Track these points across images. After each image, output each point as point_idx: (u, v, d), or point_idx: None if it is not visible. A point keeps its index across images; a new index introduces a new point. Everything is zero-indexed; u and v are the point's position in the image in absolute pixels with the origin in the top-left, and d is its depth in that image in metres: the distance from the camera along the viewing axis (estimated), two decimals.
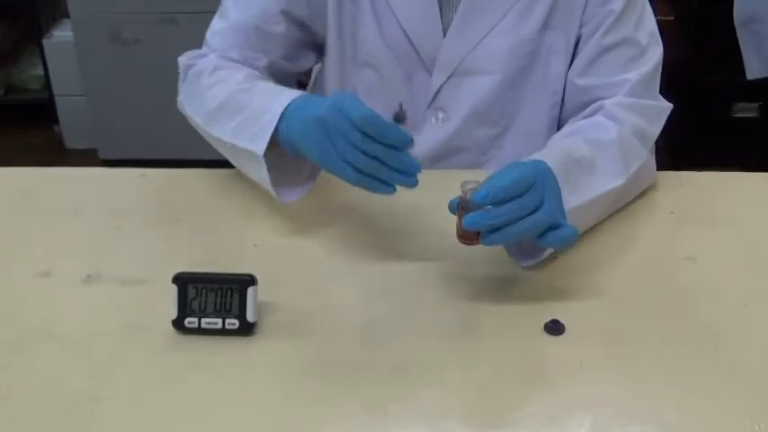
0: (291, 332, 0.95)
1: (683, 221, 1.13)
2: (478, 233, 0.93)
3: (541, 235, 0.93)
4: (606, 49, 1.19)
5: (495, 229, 0.92)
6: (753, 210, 1.17)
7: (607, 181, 1.06)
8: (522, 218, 0.91)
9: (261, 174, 1.06)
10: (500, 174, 0.92)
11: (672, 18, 2.57)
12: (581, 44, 1.21)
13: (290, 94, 1.06)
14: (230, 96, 1.12)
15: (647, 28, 1.20)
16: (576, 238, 0.94)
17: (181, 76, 1.25)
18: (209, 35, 1.26)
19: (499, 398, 0.87)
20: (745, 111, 2.70)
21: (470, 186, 0.92)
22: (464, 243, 0.95)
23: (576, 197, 1.00)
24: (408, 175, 0.95)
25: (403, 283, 1.02)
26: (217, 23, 1.26)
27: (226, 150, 1.14)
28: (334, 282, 1.03)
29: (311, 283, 1.03)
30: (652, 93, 1.19)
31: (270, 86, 1.13)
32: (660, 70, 1.21)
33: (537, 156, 1.01)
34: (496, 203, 0.90)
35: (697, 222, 1.13)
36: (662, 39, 1.22)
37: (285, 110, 1.03)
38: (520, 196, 0.91)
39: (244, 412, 0.85)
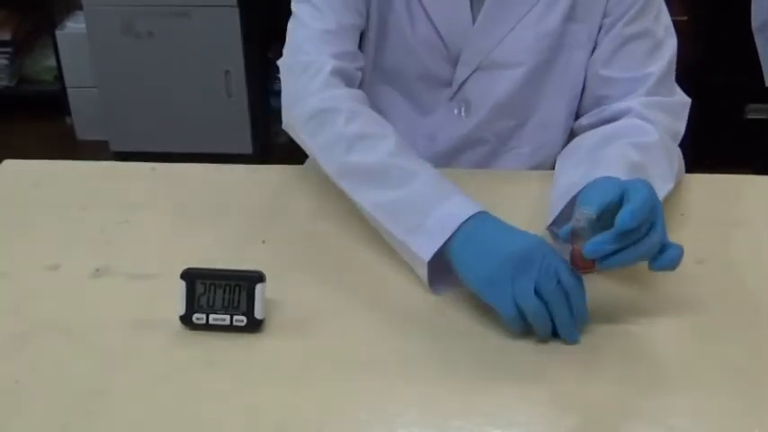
0: (299, 329, 0.95)
1: (693, 224, 1.12)
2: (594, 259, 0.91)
3: (653, 258, 0.91)
4: (627, 40, 1.19)
5: (611, 254, 0.89)
6: (764, 213, 1.16)
7: (661, 185, 1.05)
8: (638, 240, 0.89)
9: (416, 267, 1.01)
10: (633, 194, 0.89)
11: (685, 18, 2.56)
12: (602, 33, 1.21)
13: (462, 202, 0.99)
14: (382, 164, 1.05)
15: (663, 21, 1.21)
16: (682, 258, 0.92)
17: (292, 94, 1.17)
18: (300, 42, 1.20)
19: (507, 397, 0.87)
20: (758, 112, 2.69)
21: (583, 213, 0.90)
22: (580, 272, 0.92)
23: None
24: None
25: (411, 282, 1.02)
26: (300, 33, 1.20)
27: (363, 211, 1.07)
28: (342, 279, 1.03)
29: (319, 281, 1.03)
30: (671, 87, 1.20)
31: (430, 172, 1.05)
32: (675, 62, 1.21)
33: (600, 170, 0.99)
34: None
35: (707, 225, 1.12)
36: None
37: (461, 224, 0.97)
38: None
39: (250, 409, 0.85)
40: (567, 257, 0.93)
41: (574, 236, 0.91)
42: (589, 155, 1.10)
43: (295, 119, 1.15)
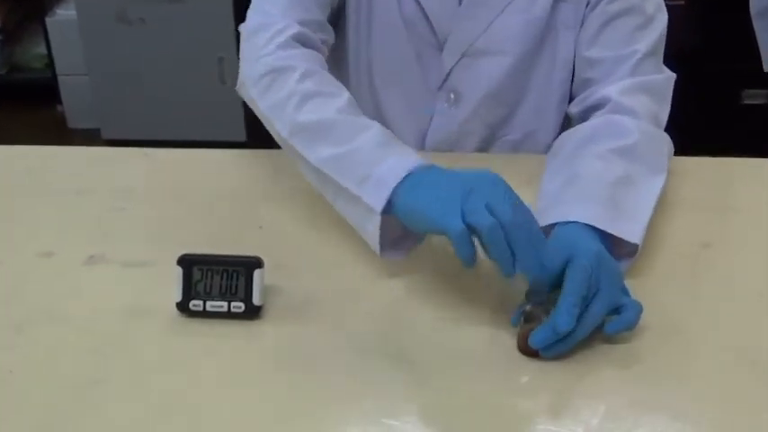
0: (298, 316, 0.94)
1: (697, 208, 1.11)
2: None
3: (606, 322, 0.89)
4: (611, 18, 1.16)
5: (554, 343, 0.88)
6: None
7: (652, 185, 1.04)
8: (579, 319, 0.87)
9: (365, 225, 0.96)
10: (567, 282, 0.87)
11: (682, 3, 2.55)
12: (587, 11, 1.18)
13: (411, 154, 0.96)
14: (331, 119, 1.01)
15: None
16: (640, 316, 0.90)
17: (248, 54, 1.14)
18: (265, 5, 1.17)
19: (511, 385, 0.86)
20: (755, 97, 2.69)
21: (535, 300, 0.89)
22: (528, 356, 0.89)
23: (638, 223, 0.98)
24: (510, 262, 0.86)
25: (411, 268, 1.00)
26: None
27: (311, 171, 1.03)
28: (341, 265, 1.01)
29: (318, 267, 1.01)
30: (658, 64, 1.17)
31: (379, 128, 1.01)
32: (664, 40, 1.18)
33: (576, 202, 0.98)
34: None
35: (711, 209, 1.12)
36: (672, 24, 1.20)
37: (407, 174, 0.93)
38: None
39: (248, 396, 0.84)
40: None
41: (526, 318, 0.89)
42: (568, 161, 1.07)
43: (248, 77, 1.11)
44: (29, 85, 3.25)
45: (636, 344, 0.90)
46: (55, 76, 3.11)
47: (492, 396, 0.84)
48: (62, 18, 3.02)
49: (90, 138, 3.04)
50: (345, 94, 1.05)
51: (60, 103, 3.16)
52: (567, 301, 0.86)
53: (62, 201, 1.15)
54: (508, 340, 0.90)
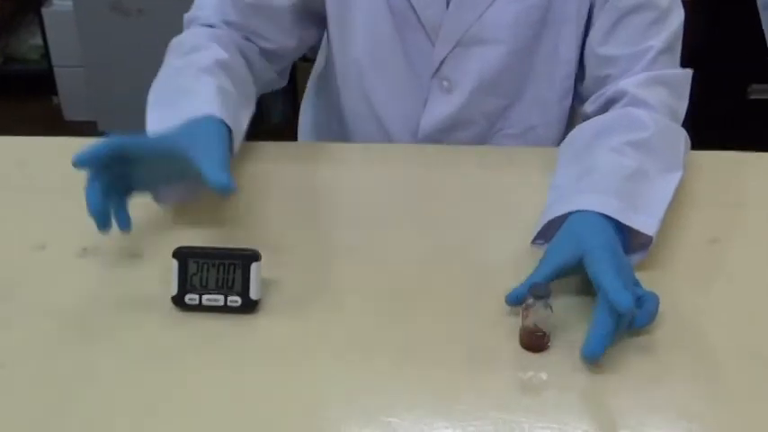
0: (296, 310, 0.92)
1: (705, 203, 1.09)
2: (547, 341, 0.87)
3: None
4: (624, 14, 1.13)
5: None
6: None
7: (668, 181, 1.02)
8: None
9: None
10: (599, 272, 0.87)
11: None
12: (597, 9, 1.15)
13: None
14: (163, 87, 1.12)
15: None
16: (659, 306, 0.89)
17: None
18: (196, 4, 1.19)
19: (511, 382, 0.84)
20: (761, 92, 2.67)
21: (537, 294, 0.86)
22: (530, 351, 0.88)
23: (653, 216, 0.97)
24: None
25: (409, 262, 0.99)
26: None
27: None
28: (339, 259, 1.00)
29: (316, 260, 1.00)
30: (674, 61, 1.15)
31: (191, 84, 1.09)
32: (681, 35, 1.16)
33: (591, 193, 0.97)
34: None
35: (720, 204, 1.10)
36: None
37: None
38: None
39: (245, 392, 0.83)
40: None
41: (526, 309, 0.87)
42: (583, 153, 1.06)
43: None
44: (24, 76, 3.23)
45: (642, 340, 0.88)
46: (51, 68, 3.09)
47: (494, 392, 0.83)
48: (58, 9, 2.99)
49: (86, 130, 3.02)
50: (208, 59, 1.09)
51: (56, 94, 3.14)
52: (616, 283, 0.85)
53: (55, 192, 1.12)
54: (511, 336, 0.89)
